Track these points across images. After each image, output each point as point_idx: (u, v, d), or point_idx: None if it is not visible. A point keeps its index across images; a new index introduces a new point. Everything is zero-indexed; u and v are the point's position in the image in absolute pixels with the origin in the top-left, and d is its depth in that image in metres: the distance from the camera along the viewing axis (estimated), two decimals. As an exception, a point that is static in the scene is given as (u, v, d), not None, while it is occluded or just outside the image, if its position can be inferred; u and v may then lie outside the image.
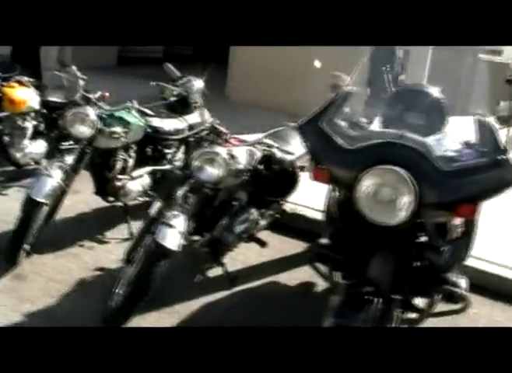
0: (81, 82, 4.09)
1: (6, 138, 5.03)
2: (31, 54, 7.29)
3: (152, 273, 3.05)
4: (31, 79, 4.99)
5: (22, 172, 5.31)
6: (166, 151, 4.61)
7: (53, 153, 5.22)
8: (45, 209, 3.70)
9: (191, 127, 4.71)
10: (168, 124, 4.50)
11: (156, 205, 3.36)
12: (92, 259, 4.07)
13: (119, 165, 4.21)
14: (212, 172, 3.29)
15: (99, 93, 5.45)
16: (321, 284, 3.82)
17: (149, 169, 4.47)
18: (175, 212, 3.18)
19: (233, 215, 3.65)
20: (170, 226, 3.08)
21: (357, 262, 2.68)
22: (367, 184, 2.44)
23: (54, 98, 5.19)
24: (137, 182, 4.35)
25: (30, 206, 3.63)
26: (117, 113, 4.09)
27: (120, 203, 4.40)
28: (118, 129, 4.05)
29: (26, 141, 5.08)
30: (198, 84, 4.79)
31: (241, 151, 3.54)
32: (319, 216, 4.68)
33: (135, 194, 4.37)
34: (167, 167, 4.64)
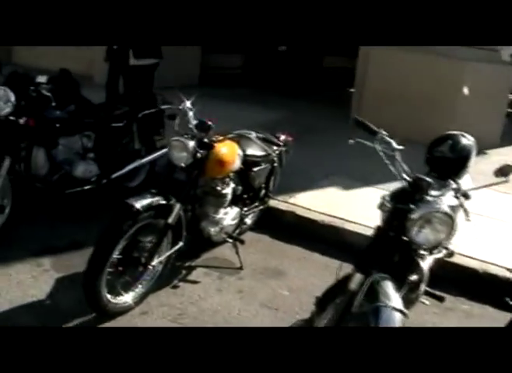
0: (398, 156, 2.79)
1: (198, 208, 3.68)
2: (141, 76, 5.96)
3: None
4: (258, 134, 3.61)
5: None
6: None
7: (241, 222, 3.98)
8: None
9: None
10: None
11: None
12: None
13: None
14: None
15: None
16: None
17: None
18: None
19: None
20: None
21: None
22: None
23: (253, 151, 3.89)
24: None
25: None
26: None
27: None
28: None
29: (222, 211, 3.74)
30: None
31: None
32: None
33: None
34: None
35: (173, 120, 4.66)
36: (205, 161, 3.37)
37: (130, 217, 3.04)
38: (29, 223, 4.26)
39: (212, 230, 3.71)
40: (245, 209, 4.02)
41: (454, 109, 6.91)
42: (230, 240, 3.88)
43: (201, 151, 3.34)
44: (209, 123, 3.36)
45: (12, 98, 3.85)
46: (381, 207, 2.89)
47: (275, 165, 4.18)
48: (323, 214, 4.67)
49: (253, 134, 3.43)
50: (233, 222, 3.85)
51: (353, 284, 2.57)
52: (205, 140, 3.36)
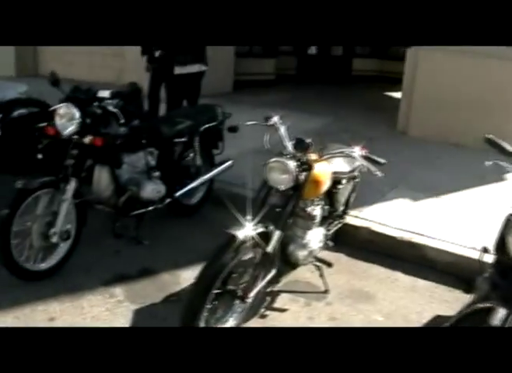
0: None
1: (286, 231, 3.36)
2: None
3: None
4: (362, 152, 3.21)
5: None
6: None
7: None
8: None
9: None
10: None
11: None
12: None
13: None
14: None
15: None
16: None
17: None
18: None
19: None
20: None
21: None
22: None
23: (339, 168, 3.58)
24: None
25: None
26: None
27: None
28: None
29: (310, 234, 3.43)
30: None
31: None
32: None
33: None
34: None
35: (234, 133, 4.39)
36: (304, 183, 3.06)
37: (233, 248, 2.74)
38: (93, 248, 3.97)
39: (301, 254, 3.40)
40: (328, 228, 3.73)
41: (508, 112, 6.62)
42: (318, 263, 3.58)
43: (303, 173, 3.03)
44: (308, 141, 3.06)
45: (77, 115, 3.56)
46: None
47: (357, 180, 3.88)
48: (399, 229, 4.37)
49: (356, 153, 3.09)
50: (320, 244, 3.55)
51: (495, 320, 2.32)
52: (305, 160, 3.05)
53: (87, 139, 3.59)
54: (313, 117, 7.21)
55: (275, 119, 3.23)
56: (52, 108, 3.75)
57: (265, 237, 2.95)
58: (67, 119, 3.59)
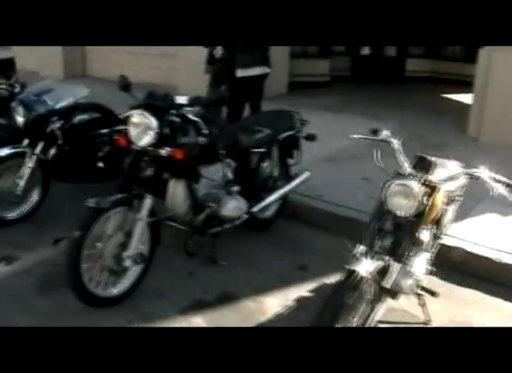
0: None
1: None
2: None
3: None
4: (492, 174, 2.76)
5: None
6: None
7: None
8: None
9: None
10: None
11: None
12: None
13: None
14: None
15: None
16: None
17: None
18: None
19: None
20: None
21: None
22: None
23: (449, 187, 3.16)
24: None
25: None
26: None
27: None
28: None
29: (416, 261, 3.03)
30: None
31: None
32: None
33: None
34: None
35: (312, 141, 4.02)
36: (427, 208, 2.67)
37: (352, 285, 2.37)
38: (165, 269, 3.64)
39: (406, 283, 2.99)
40: (431, 252, 3.34)
41: None
42: (423, 293, 3.18)
43: (426, 197, 2.64)
44: (432, 159, 2.66)
45: (154, 124, 3.22)
46: None
47: (462, 199, 3.48)
48: (495, 250, 3.95)
49: (484, 174, 2.67)
50: (424, 271, 3.16)
51: None
52: (428, 182, 2.65)
53: (164, 151, 3.25)
54: (374, 122, 6.76)
55: (386, 132, 2.84)
56: (124, 115, 3.42)
57: (384, 271, 2.58)
58: (142, 128, 3.25)
